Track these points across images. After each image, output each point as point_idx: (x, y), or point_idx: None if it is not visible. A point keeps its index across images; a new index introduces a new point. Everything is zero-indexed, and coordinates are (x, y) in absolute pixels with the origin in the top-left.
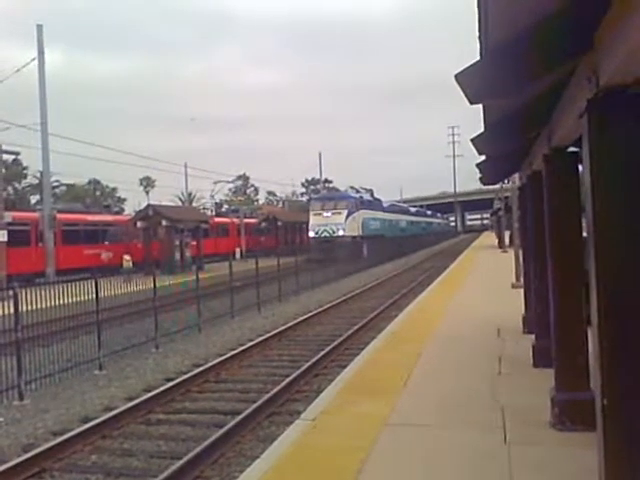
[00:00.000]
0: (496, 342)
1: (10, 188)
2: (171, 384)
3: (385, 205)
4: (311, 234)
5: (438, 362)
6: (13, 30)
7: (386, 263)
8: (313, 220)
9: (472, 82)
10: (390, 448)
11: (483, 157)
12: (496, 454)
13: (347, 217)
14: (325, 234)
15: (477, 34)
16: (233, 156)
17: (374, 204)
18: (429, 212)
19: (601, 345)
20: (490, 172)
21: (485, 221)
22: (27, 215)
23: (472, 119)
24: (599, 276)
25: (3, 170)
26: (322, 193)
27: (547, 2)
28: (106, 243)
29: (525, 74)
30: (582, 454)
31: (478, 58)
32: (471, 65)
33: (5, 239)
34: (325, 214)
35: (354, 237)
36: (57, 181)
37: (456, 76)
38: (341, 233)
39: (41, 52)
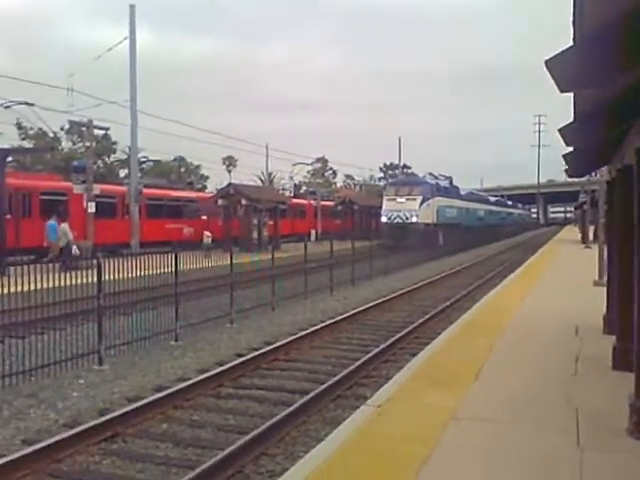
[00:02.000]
0: (574, 341)
1: (100, 162)
2: (242, 359)
3: (462, 193)
4: (383, 219)
5: (511, 357)
6: (105, 10)
7: (462, 252)
8: (386, 205)
9: (564, 69)
10: (456, 442)
11: (570, 148)
12: (567, 458)
13: (421, 203)
14: (398, 220)
15: (572, 19)
16: (314, 138)
17: (450, 191)
18: (509, 202)
19: None
20: (577, 164)
21: (569, 214)
22: (115, 188)
23: (560, 107)
24: None
25: (94, 144)
26: (397, 178)
27: None
28: (188, 219)
29: (620, 62)
30: None
31: (571, 44)
32: (563, 51)
33: (94, 210)
34: (399, 199)
35: (427, 224)
36: (145, 157)
37: (546, 62)
38: (414, 220)
39: (133, 31)
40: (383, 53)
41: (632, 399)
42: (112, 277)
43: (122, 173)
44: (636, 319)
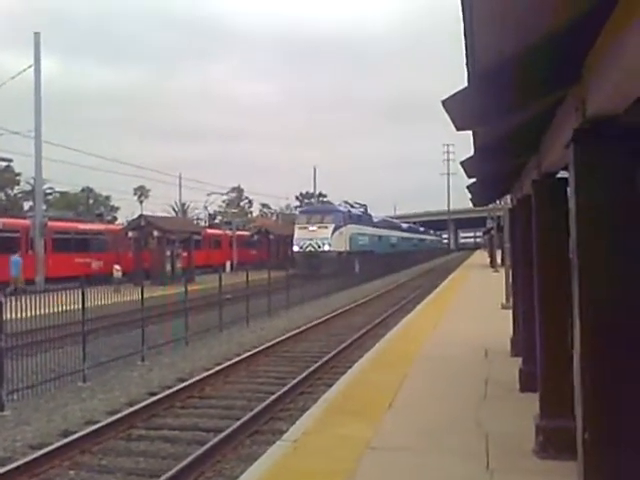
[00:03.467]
0: (483, 364)
1: (2, 194)
2: (154, 398)
3: (375, 220)
4: (295, 248)
5: (424, 384)
6: (12, 37)
7: (377, 279)
8: (298, 234)
9: (459, 108)
10: (371, 473)
11: (473, 179)
12: None
13: (334, 232)
14: (310, 249)
15: (464, 60)
16: (228, 168)
17: (363, 219)
18: (421, 229)
19: (583, 376)
20: (480, 194)
21: (478, 239)
22: (17, 222)
23: (468, 138)
24: (583, 302)
25: None
26: (309, 206)
27: (535, 31)
28: (97, 252)
29: (512, 102)
30: None
31: (466, 84)
32: (458, 92)
33: None
34: (311, 228)
35: (340, 253)
36: (50, 188)
37: (443, 102)
38: (327, 248)
39: (38, 59)
40: (306, 84)
41: (537, 420)
42: (15, 316)
43: (26, 205)
44: (538, 342)
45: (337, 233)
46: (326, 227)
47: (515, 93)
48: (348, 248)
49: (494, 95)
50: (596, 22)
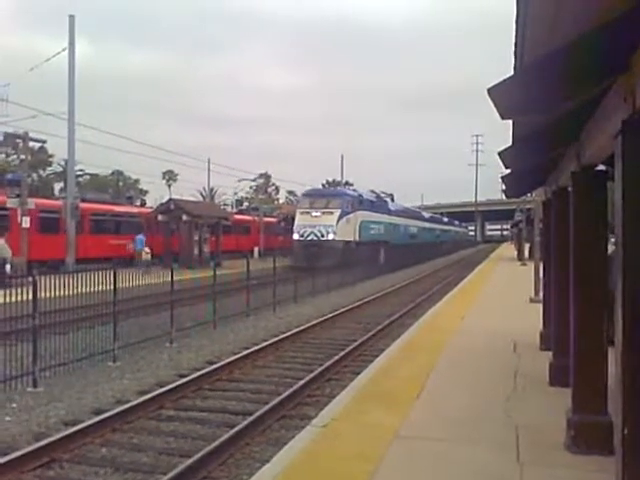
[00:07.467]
0: (512, 357)
1: (35, 175)
2: (184, 380)
3: (392, 208)
4: (295, 236)
5: (452, 375)
6: (46, 19)
7: (402, 270)
8: (299, 220)
9: (505, 97)
10: (400, 461)
11: (509, 170)
12: (508, 473)
13: (340, 218)
14: (312, 237)
15: (513, 49)
16: (256, 154)
17: (377, 205)
18: (446, 219)
19: (624, 371)
20: (515, 185)
21: (505, 232)
22: (51, 203)
23: (497, 128)
24: (626, 296)
25: (29, 157)
26: (313, 188)
27: (584, 22)
28: (128, 234)
29: (559, 92)
30: (597, 479)
31: (512, 73)
32: (505, 80)
33: (28, 225)
34: (314, 213)
35: (347, 243)
36: (81, 170)
37: (489, 90)
38: (331, 237)
39: (72, 43)
40: (333, 71)
41: (569, 414)
42: (48, 295)
43: (57, 187)
44: (572, 337)
45: (344, 220)
46: (331, 213)
47: (563, 83)
48: (357, 238)
49: (541, 85)
50: None
